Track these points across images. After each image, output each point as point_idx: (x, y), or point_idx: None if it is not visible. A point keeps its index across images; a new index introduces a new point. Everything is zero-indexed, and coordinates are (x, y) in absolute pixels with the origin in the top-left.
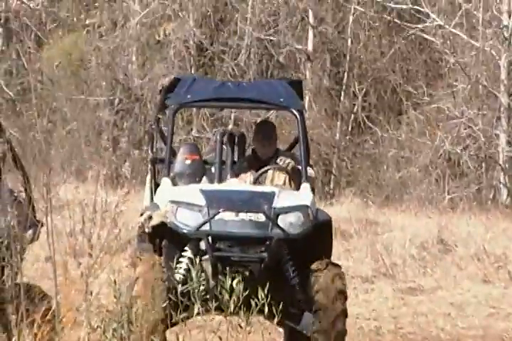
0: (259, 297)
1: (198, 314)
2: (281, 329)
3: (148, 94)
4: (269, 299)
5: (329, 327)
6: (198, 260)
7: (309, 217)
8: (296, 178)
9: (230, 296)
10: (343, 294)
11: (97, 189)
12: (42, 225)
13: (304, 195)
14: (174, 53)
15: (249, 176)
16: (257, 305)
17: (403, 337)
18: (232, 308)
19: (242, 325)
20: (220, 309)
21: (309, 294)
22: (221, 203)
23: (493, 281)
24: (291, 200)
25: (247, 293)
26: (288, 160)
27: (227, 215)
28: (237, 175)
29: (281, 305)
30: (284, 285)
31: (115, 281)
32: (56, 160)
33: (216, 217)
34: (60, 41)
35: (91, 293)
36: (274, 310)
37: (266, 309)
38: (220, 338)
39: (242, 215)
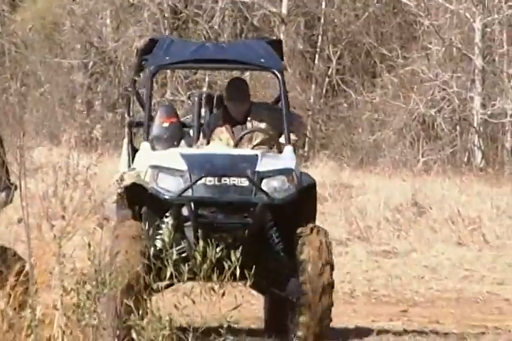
0: (232, 261)
1: (180, 281)
2: (254, 292)
3: (122, 57)
4: (242, 262)
5: (315, 300)
6: (179, 226)
7: (294, 181)
8: (275, 139)
9: (214, 262)
10: (330, 265)
11: (70, 152)
12: (15, 188)
13: (288, 158)
14: (148, 16)
15: (224, 136)
16: (229, 268)
17: (377, 299)
18: (213, 275)
19: (216, 288)
20: (208, 279)
21: (295, 261)
22: (203, 168)
23: (467, 244)
24: (275, 164)
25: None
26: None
27: (210, 180)
28: (212, 133)
29: (265, 272)
30: (269, 251)
31: (89, 244)
32: (30, 123)
33: (198, 183)
34: (34, 4)
35: (64, 256)
36: (247, 274)
37: (238, 272)
38: (193, 301)
39: (225, 180)
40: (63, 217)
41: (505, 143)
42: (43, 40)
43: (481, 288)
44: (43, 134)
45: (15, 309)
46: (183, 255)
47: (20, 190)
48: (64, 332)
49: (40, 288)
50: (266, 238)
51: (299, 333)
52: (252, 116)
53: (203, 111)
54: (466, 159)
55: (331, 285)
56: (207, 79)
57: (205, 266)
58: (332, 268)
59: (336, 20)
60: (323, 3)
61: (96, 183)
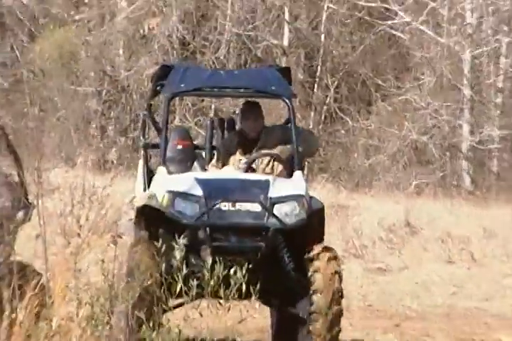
0: (236, 278)
1: (193, 299)
2: (257, 306)
3: (134, 85)
4: (254, 282)
5: (326, 307)
6: (194, 247)
7: (304, 206)
8: (286, 163)
9: (227, 283)
10: (338, 275)
11: (86, 174)
12: (33, 207)
13: (298, 184)
14: (158, 47)
15: (237, 157)
16: (243, 286)
17: (372, 313)
18: (220, 291)
19: (222, 302)
20: (215, 295)
21: (305, 278)
22: (218, 193)
23: (456, 262)
24: (286, 189)
25: (245, 280)
26: (282, 148)
27: (225, 205)
28: (226, 155)
29: (277, 289)
30: (280, 271)
31: (103, 260)
32: (47, 147)
33: (214, 208)
34: (52, 35)
35: (79, 271)
36: (252, 289)
37: (244, 288)
38: (201, 314)
39: (239, 205)
40: (79, 235)
41: (492, 168)
42: (60, 69)
43: (469, 303)
44: (59, 157)
45: (32, 320)
46: (197, 274)
47: (38, 209)
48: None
49: (56, 301)
50: (278, 259)
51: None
52: (265, 132)
53: (214, 133)
54: (455, 182)
55: (341, 292)
56: (213, 106)
57: (212, 283)
58: (341, 278)
59: (334, 52)
60: (322, 36)
61: (110, 203)
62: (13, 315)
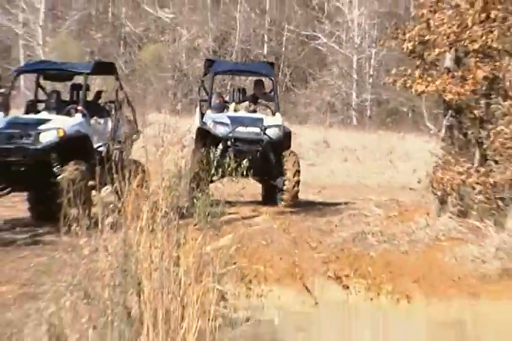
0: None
1: (223, 176)
2: (252, 182)
3: (190, 72)
4: (255, 169)
5: (291, 188)
6: (225, 150)
7: (281, 130)
8: (272, 110)
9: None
10: (298, 172)
11: (166, 116)
12: (141, 133)
13: (278, 119)
14: (202, 53)
15: (247, 105)
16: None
17: (308, 186)
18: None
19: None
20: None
21: (281, 165)
22: (237, 123)
23: (349, 161)
24: (272, 122)
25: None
26: (270, 105)
27: (241, 129)
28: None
29: (266, 173)
30: (268, 162)
31: (176, 158)
32: (147, 102)
33: (236, 129)
34: (149, 47)
35: (164, 163)
36: (252, 172)
37: (251, 172)
38: (223, 185)
39: (249, 128)
40: (163, 146)
41: (366, 114)
42: (154, 64)
43: (355, 180)
44: (154, 107)
45: (139, 188)
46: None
47: (143, 134)
48: (162, 199)
49: (151, 178)
50: (267, 156)
51: (282, 202)
52: (263, 95)
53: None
54: (349, 121)
55: (299, 181)
56: (229, 83)
57: (234, 169)
58: (299, 173)
59: (289, 56)
60: (283, 48)
61: (179, 130)
62: (130, 186)
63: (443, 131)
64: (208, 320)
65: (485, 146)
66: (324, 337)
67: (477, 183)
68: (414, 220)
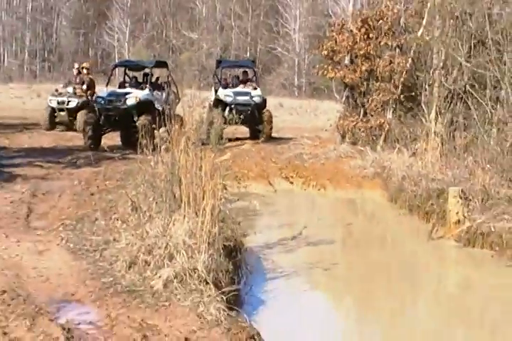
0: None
1: (230, 124)
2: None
3: (208, 67)
4: (247, 119)
5: (267, 131)
6: (231, 110)
7: (261, 98)
8: (254, 88)
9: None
10: (271, 121)
11: (194, 91)
12: (180, 99)
13: (259, 92)
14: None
15: (241, 87)
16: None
17: (285, 130)
18: (238, 123)
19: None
20: (235, 123)
21: (261, 118)
22: (236, 94)
23: (299, 115)
24: (256, 93)
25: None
26: (254, 84)
27: (239, 98)
28: (237, 86)
29: (253, 122)
30: (255, 116)
31: (199, 116)
32: (184, 83)
33: (236, 98)
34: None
35: (193, 116)
36: (246, 122)
37: (245, 121)
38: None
39: (244, 97)
40: (190, 107)
41: (311, 85)
42: (188, 64)
43: (298, 125)
44: (187, 85)
45: (179, 128)
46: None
47: (181, 101)
48: (192, 135)
49: (186, 126)
50: (254, 114)
51: (263, 136)
52: (249, 80)
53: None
54: (293, 94)
55: (272, 127)
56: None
57: (236, 119)
58: (272, 122)
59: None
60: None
61: (201, 98)
62: (174, 128)
63: (343, 99)
64: (217, 199)
65: (366, 107)
66: (280, 206)
67: (361, 126)
68: (327, 147)
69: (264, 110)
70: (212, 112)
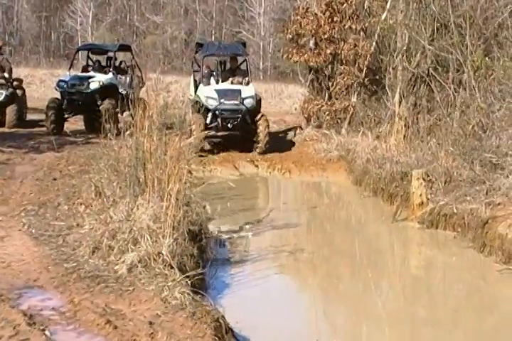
0: (228, 126)
1: (216, 131)
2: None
3: (172, 51)
4: (236, 128)
5: (263, 143)
6: (214, 117)
7: (255, 99)
8: (245, 81)
9: (228, 128)
10: (269, 133)
11: (158, 75)
12: (144, 83)
13: (251, 90)
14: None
15: (229, 79)
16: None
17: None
18: (227, 131)
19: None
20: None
21: (255, 126)
22: (223, 96)
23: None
24: (247, 93)
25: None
26: (243, 76)
27: (226, 101)
28: (224, 78)
29: (244, 130)
30: (246, 124)
31: (163, 97)
32: (148, 67)
33: (221, 102)
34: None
35: (157, 100)
36: (235, 130)
37: (233, 129)
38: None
39: (231, 101)
40: (156, 90)
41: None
42: (152, 48)
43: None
44: (152, 70)
45: (143, 112)
46: (216, 124)
47: (146, 86)
48: (156, 118)
49: (150, 108)
50: (245, 120)
51: (257, 149)
52: (238, 69)
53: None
54: (258, 77)
55: (268, 139)
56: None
57: (220, 126)
58: (270, 134)
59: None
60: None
61: (165, 82)
62: (138, 112)
63: (308, 82)
64: (182, 183)
65: (330, 90)
66: (245, 189)
67: (326, 110)
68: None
69: (259, 116)
70: (192, 116)
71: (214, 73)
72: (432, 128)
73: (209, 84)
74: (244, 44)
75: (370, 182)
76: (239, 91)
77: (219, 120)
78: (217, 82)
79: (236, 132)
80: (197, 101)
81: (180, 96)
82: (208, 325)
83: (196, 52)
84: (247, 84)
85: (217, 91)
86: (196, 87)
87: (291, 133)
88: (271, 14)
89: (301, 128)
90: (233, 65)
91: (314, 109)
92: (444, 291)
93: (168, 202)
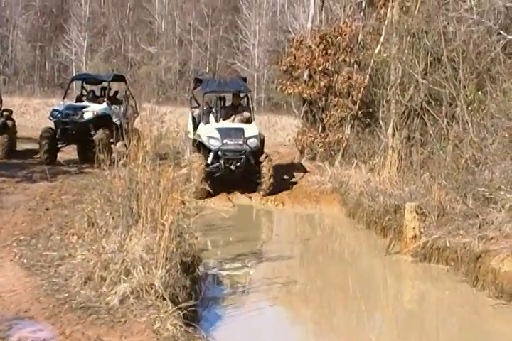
0: (231, 168)
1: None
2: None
3: (167, 82)
4: (239, 170)
5: (267, 183)
6: (216, 157)
7: (259, 139)
8: (248, 120)
9: (231, 170)
10: (273, 174)
11: (153, 105)
12: (138, 113)
13: (255, 129)
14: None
15: (231, 117)
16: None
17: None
18: (231, 175)
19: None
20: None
21: (259, 167)
22: (225, 136)
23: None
24: (251, 132)
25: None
26: (246, 113)
27: (228, 141)
28: (225, 116)
29: (248, 172)
30: (249, 165)
31: (158, 128)
32: (142, 97)
33: (224, 142)
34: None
35: (151, 130)
36: (238, 172)
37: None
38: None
39: (234, 141)
40: (151, 120)
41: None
42: (146, 78)
43: None
44: (146, 100)
45: (136, 142)
46: (218, 166)
47: (140, 116)
48: (150, 149)
49: (144, 139)
50: (249, 161)
51: (261, 192)
52: (240, 106)
53: (218, 104)
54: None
55: (272, 181)
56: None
57: (223, 169)
58: (273, 175)
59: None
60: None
61: (160, 113)
62: (132, 142)
63: (302, 114)
64: (175, 214)
65: (324, 122)
66: (238, 221)
67: (320, 142)
68: (286, 161)
69: (263, 156)
70: (192, 155)
71: (213, 110)
72: (425, 161)
73: (208, 121)
74: (245, 79)
75: (364, 215)
76: (242, 131)
77: (221, 161)
78: (216, 120)
79: (238, 174)
80: (197, 141)
81: (175, 127)
82: None
83: (195, 88)
84: (250, 122)
85: (219, 130)
86: (195, 124)
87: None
88: (265, 46)
89: (295, 160)
90: (235, 102)
91: (308, 141)
92: (437, 325)
93: (161, 232)
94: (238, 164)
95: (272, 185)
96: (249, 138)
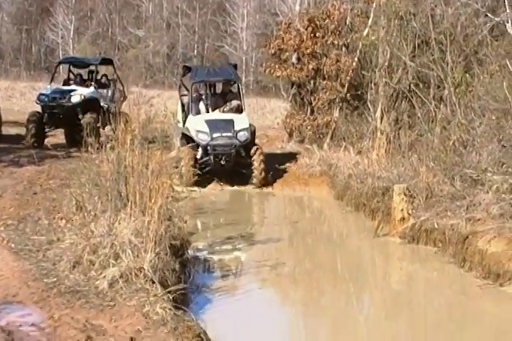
0: (221, 163)
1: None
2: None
3: (154, 65)
4: (229, 164)
5: (259, 178)
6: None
7: (249, 132)
8: (238, 108)
9: (221, 165)
10: (263, 161)
11: (140, 88)
12: (126, 97)
13: (245, 120)
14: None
15: (222, 106)
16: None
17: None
18: (221, 169)
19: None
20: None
21: (250, 160)
22: (214, 129)
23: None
24: (241, 125)
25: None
26: (236, 101)
27: (218, 135)
28: (215, 104)
29: (239, 164)
30: (240, 158)
31: (146, 111)
32: (130, 80)
33: (213, 136)
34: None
35: (139, 114)
36: (227, 165)
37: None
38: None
39: (224, 134)
40: (138, 104)
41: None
42: (134, 61)
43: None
44: (134, 83)
45: (124, 126)
46: (207, 161)
47: (128, 99)
48: (138, 132)
49: (132, 122)
50: (239, 155)
51: (253, 185)
52: (230, 94)
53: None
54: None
55: (264, 171)
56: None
57: (213, 163)
58: (265, 168)
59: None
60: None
61: (147, 96)
62: (120, 126)
63: (290, 97)
64: (164, 198)
65: (312, 105)
66: (227, 204)
67: (308, 125)
68: (275, 144)
69: (254, 149)
70: (181, 149)
71: (203, 97)
72: (413, 143)
73: (198, 110)
74: (235, 66)
75: (352, 197)
76: (232, 123)
77: (211, 156)
78: (206, 109)
79: (229, 168)
80: (187, 136)
81: (163, 110)
82: None
83: (183, 75)
84: (240, 111)
85: (208, 123)
86: (184, 112)
87: (273, 147)
88: (253, 29)
89: (284, 143)
90: (225, 89)
91: (296, 124)
92: (425, 306)
93: (150, 216)
94: (228, 159)
95: (264, 179)
96: (240, 131)
